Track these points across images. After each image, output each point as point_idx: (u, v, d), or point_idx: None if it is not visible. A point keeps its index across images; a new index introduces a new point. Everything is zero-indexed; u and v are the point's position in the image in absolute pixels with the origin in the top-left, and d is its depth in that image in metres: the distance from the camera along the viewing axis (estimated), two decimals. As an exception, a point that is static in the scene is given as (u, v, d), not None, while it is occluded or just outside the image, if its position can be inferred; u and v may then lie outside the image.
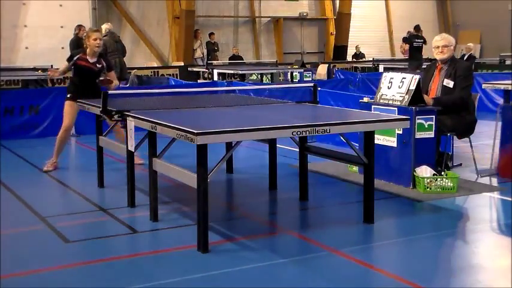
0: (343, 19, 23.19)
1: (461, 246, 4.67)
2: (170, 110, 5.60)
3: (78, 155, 8.90)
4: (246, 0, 22.75)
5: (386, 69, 15.99)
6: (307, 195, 5.78)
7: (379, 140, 6.19)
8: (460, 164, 7.01)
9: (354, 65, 20.98)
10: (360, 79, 14.10)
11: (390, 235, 4.88)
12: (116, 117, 5.37)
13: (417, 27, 16.47)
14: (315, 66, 17.32)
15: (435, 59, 6.72)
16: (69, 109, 7.17)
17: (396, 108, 6.08)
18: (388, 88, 6.30)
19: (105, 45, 12.65)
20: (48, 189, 6.63)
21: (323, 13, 24.23)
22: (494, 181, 6.51)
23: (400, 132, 6.09)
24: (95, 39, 7.04)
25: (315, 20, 24.10)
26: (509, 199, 5.79)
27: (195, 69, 18.07)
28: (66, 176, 7.03)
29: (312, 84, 6.23)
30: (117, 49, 12.94)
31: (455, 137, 6.70)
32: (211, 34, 20.77)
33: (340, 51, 23.15)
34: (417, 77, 6.09)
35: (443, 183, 5.90)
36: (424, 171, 5.95)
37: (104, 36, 12.89)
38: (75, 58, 7.10)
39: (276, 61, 20.43)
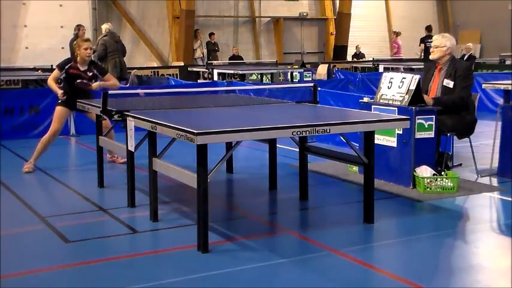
0: (343, 19, 23.17)
1: (461, 246, 4.67)
2: (170, 110, 5.60)
3: (78, 155, 8.91)
4: (246, 0, 22.76)
5: (386, 69, 16.02)
6: (307, 195, 5.78)
7: (379, 140, 6.19)
8: (460, 164, 7.01)
9: (354, 65, 20.96)
10: (360, 79, 14.10)
11: (390, 235, 4.88)
12: (116, 117, 5.38)
13: (429, 28, 16.37)
14: (315, 66, 17.32)
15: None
16: (59, 114, 7.25)
17: (396, 108, 6.08)
18: (388, 88, 6.30)
19: (105, 45, 12.73)
20: (48, 189, 6.64)
21: (323, 13, 24.23)
22: (494, 181, 6.51)
23: (400, 132, 6.08)
24: (86, 49, 7.12)
25: (315, 20, 24.10)
26: (509, 199, 5.79)
27: (195, 69, 18.05)
28: (66, 176, 7.03)
29: (312, 84, 6.23)
30: (117, 49, 12.93)
31: (455, 137, 6.69)
32: (211, 34, 20.78)
33: (340, 51, 23.13)
34: (417, 77, 6.09)
35: (443, 183, 5.89)
36: (424, 171, 5.95)
37: (104, 36, 12.93)
38: (66, 67, 7.17)
39: (276, 61, 20.44)
